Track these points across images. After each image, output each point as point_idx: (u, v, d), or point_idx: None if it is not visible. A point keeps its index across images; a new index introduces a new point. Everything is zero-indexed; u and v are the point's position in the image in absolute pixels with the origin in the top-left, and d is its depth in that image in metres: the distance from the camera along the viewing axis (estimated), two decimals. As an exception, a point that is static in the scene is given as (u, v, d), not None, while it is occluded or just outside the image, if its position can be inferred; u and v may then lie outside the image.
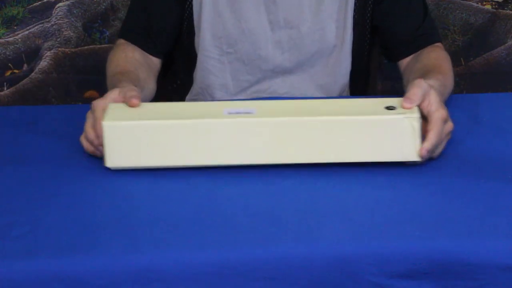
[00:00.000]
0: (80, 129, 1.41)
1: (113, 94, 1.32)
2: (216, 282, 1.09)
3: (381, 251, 1.11)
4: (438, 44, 1.64)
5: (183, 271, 1.09)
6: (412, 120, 1.25)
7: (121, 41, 1.63)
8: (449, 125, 1.30)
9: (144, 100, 1.40)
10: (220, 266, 1.09)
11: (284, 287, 1.10)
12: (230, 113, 1.27)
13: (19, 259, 1.08)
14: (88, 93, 2.28)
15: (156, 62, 1.63)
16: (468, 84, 2.37)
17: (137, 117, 1.27)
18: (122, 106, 1.30)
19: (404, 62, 1.63)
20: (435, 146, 1.28)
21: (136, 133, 1.26)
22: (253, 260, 1.10)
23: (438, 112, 1.28)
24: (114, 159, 1.26)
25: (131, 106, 1.30)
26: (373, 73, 1.79)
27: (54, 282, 1.07)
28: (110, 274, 1.08)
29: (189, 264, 1.09)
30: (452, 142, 1.36)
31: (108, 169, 1.28)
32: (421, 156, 1.27)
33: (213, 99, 1.67)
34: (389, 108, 1.28)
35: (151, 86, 1.55)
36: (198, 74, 1.68)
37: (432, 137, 1.27)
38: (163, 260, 1.09)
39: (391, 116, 1.26)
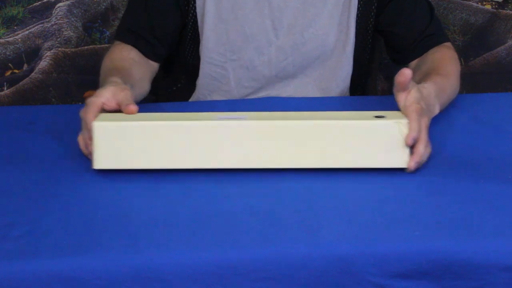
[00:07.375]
0: (80, 129, 1.41)
1: (106, 92, 1.31)
2: (216, 282, 1.09)
3: (381, 251, 1.11)
4: (447, 43, 1.63)
5: (183, 271, 1.09)
6: (400, 125, 1.25)
7: (117, 42, 1.62)
8: (424, 121, 1.27)
9: (135, 99, 1.40)
10: (220, 266, 1.09)
11: (284, 287, 1.10)
12: (221, 118, 1.27)
13: (19, 259, 1.08)
14: (88, 93, 2.27)
15: (153, 64, 1.62)
16: (468, 84, 2.37)
17: (127, 118, 1.27)
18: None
19: (412, 65, 1.62)
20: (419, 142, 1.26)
21: (126, 134, 1.25)
22: (253, 260, 1.10)
23: (411, 106, 1.26)
24: (102, 160, 1.26)
25: (128, 113, 1.29)
26: (373, 73, 1.79)
27: (54, 282, 1.07)
28: (110, 274, 1.08)
29: (189, 264, 1.09)
30: (452, 142, 1.36)
31: (108, 169, 1.28)
32: (410, 168, 1.26)
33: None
34: (379, 117, 1.28)
35: (145, 86, 1.54)
36: (200, 80, 1.67)
37: (413, 129, 1.24)
38: (163, 260, 1.09)
39: (379, 121, 1.26)
